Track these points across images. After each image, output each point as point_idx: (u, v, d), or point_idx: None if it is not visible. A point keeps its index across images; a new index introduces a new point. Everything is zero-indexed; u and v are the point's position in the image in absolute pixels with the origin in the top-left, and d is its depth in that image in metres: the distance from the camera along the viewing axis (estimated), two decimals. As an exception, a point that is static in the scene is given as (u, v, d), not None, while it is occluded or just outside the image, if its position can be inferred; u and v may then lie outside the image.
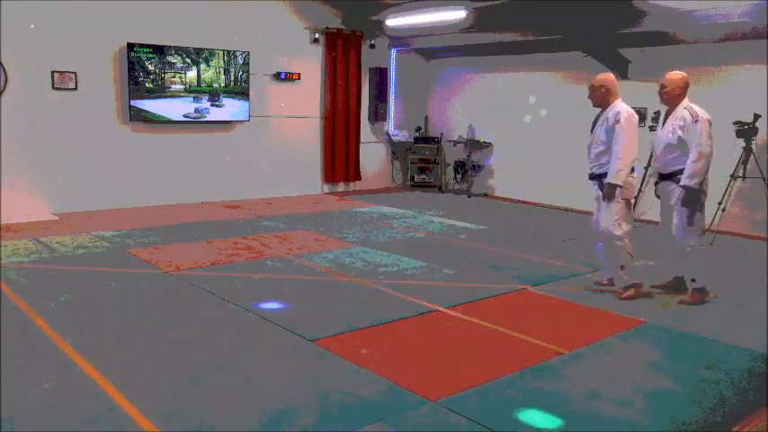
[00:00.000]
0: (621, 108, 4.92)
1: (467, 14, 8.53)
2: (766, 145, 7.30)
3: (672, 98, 4.96)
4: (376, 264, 5.92)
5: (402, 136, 11.08)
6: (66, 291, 4.84)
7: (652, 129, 7.96)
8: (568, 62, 9.17)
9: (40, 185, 7.76)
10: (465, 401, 3.24)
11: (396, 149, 11.27)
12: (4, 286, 4.89)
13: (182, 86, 8.57)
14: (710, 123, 4.85)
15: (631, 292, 5.08)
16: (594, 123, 5.12)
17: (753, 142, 7.06)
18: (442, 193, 10.89)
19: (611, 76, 5.09)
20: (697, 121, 4.77)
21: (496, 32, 9.05)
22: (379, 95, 10.76)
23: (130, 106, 8.19)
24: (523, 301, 4.94)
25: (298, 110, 9.96)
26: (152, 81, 8.30)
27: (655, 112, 7.90)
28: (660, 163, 5.07)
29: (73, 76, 7.80)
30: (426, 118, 11.50)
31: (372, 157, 11.01)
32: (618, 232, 5.00)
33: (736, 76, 7.61)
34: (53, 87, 7.69)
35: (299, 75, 9.82)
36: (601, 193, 5.02)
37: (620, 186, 4.88)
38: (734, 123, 7.09)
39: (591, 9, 7.59)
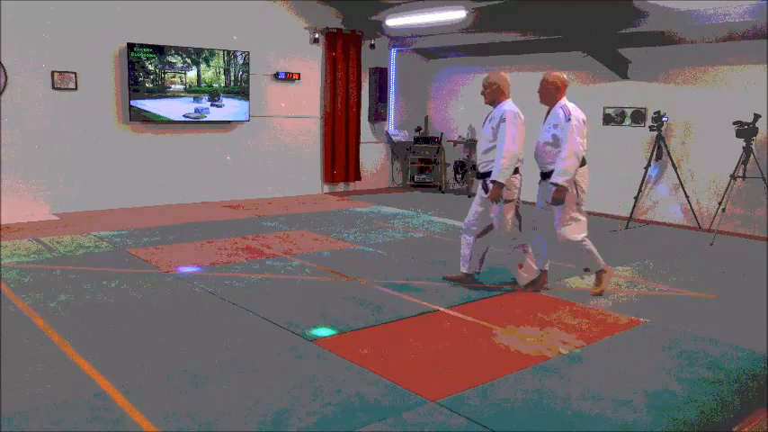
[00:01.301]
0: (508, 108, 4.94)
1: (467, 14, 8.53)
2: (766, 145, 7.31)
3: (548, 95, 4.98)
4: (376, 264, 5.92)
5: (402, 136, 11.08)
6: (66, 291, 4.85)
7: (652, 129, 7.97)
8: (568, 62, 9.16)
9: (40, 185, 7.76)
10: (465, 401, 3.24)
11: (396, 149, 11.27)
12: (4, 286, 4.89)
13: (182, 86, 8.58)
14: (584, 122, 4.87)
15: (530, 288, 5.15)
16: (484, 121, 5.13)
17: (753, 142, 7.07)
18: (442, 193, 10.89)
19: (504, 74, 5.08)
20: (569, 119, 4.79)
21: (496, 32, 9.05)
22: (379, 95, 10.76)
23: (130, 106, 8.19)
24: (523, 301, 4.94)
25: (298, 110, 9.96)
26: (152, 81, 8.30)
27: (655, 112, 7.91)
28: (539, 162, 5.09)
29: (73, 76, 7.80)
30: (426, 118, 11.50)
31: (372, 157, 11.02)
32: (513, 233, 5.03)
33: (736, 76, 7.62)
34: (53, 87, 7.69)
35: (299, 75, 9.82)
36: (484, 191, 5.01)
37: (504, 185, 4.85)
38: (734, 123, 7.09)
39: (591, 9, 7.59)
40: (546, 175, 5.01)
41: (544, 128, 5.01)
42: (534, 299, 5.01)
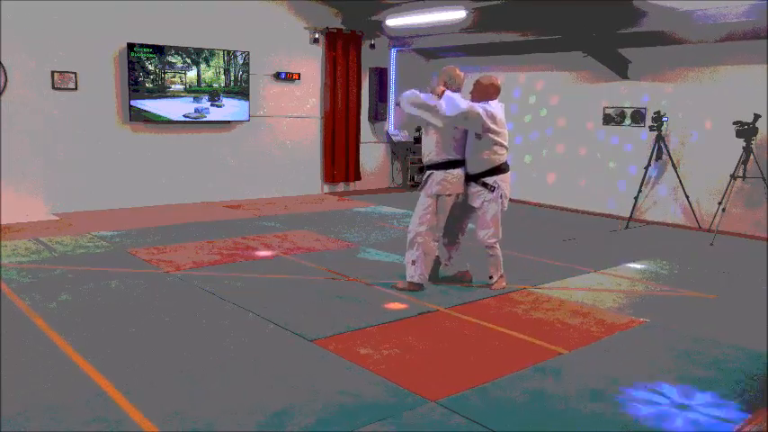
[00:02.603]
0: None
1: (467, 14, 8.53)
2: (766, 145, 7.31)
3: (480, 97, 5.03)
4: (376, 264, 5.92)
5: (402, 136, 11.08)
6: (66, 291, 4.85)
7: (652, 129, 7.97)
8: (568, 62, 9.17)
9: (40, 185, 7.76)
10: (465, 401, 3.24)
11: (396, 149, 11.27)
12: (4, 286, 4.89)
13: (182, 86, 8.57)
14: (493, 117, 4.89)
15: (406, 287, 5.08)
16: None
17: (753, 142, 7.07)
18: (442, 193, 10.87)
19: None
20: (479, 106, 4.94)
21: (496, 32, 9.05)
22: (379, 95, 10.76)
23: (130, 106, 8.19)
24: (523, 301, 4.94)
25: (298, 110, 9.96)
26: (152, 81, 8.30)
27: (655, 112, 7.91)
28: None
29: (73, 76, 7.80)
30: (426, 118, 11.48)
31: (372, 157, 11.01)
32: (419, 228, 5.01)
33: (737, 76, 7.62)
34: (53, 87, 7.69)
35: (299, 75, 9.82)
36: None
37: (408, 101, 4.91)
38: (734, 123, 7.09)
39: (591, 9, 7.59)
40: (472, 177, 5.06)
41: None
42: (535, 299, 5.01)
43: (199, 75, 8.71)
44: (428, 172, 5.00)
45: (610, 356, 3.92)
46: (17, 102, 7.45)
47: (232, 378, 3.45)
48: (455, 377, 3.54)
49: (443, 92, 4.87)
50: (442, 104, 4.80)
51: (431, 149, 4.98)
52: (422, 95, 4.88)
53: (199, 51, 8.67)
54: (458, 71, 5.07)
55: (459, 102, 4.79)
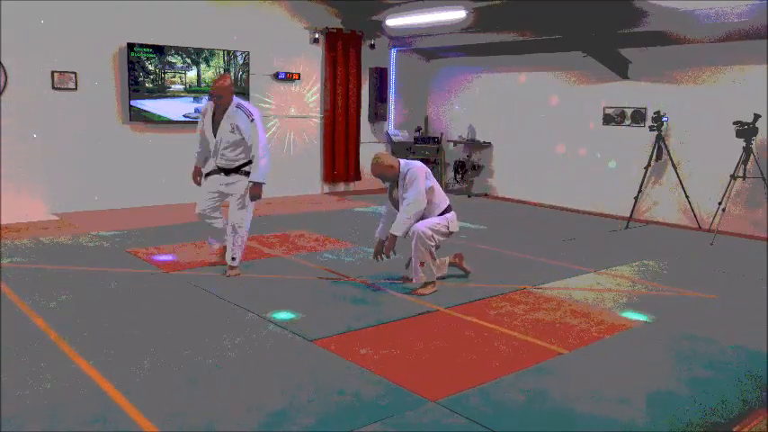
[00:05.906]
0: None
1: (467, 14, 8.53)
2: (766, 145, 7.31)
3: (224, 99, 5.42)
4: (376, 263, 5.92)
5: (402, 136, 11.08)
6: (66, 291, 4.85)
7: (652, 129, 7.97)
8: (568, 62, 9.17)
9: (39, 185, 7.76)
10: (465, 401, 3.24)
11: (396, 149, 11.26)
12: (4, 286, 4.89)
13: (182, 86, 8.57)
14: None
15: (432, 289, 5.10)
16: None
17: (753, 142, 7.07)
18: (442, 193, 10.87)
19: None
20: (253, 120, 5.27)
21: (496, 32, 9.06)
22: (379, 95, 10.75)
23: (130, 106, 8.19)
24: (523, 301, 4.94)
25: (298, 110, 9.96)
26: (152, 81, 8.30)
27: (655, 112, 7.92)
28: (223, 159, 5.36)
29: (73, 76, 7.80)
30: (426, 118, 11.50)
31: (372, 157, 10.99)
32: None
33: (736, 76, 7.62)
34: (53, 87, 7.69)
35: (299, 75, 9.82)
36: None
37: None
38: (734, 123, 7.10)
39: (591, 9, 7.59)
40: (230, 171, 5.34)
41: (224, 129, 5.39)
42: (535, 299, 5.01)
43: (199, 75, 8.71)
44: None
45: (610, 356, 3.92)
46: (17, 102, 7.44)
47: (232, 378, 3.45)
48: (455, 377, 3.54)
49: None
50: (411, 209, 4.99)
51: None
52: (411, 215, 5.00)
53: (199, 51, 8.67)
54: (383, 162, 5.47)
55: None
